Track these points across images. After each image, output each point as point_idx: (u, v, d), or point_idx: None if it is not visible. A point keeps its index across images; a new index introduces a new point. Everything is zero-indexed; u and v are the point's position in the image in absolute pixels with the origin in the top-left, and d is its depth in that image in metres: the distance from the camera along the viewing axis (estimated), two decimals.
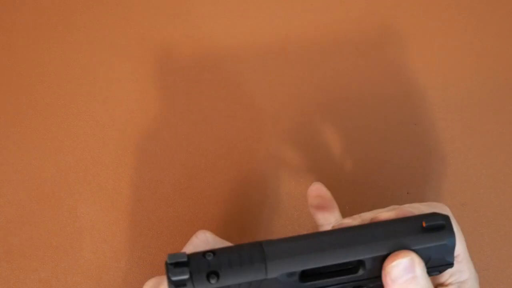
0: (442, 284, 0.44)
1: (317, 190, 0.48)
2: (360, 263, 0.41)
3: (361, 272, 0.41)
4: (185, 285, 0.39)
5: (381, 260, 0.40)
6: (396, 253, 0.40)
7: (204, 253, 0.39)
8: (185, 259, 0.39)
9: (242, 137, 0.58)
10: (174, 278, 0.39)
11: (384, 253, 0.40)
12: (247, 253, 0.40)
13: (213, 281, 0.39)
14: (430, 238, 0.40)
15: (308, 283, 0.41)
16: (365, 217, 0.44)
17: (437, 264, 0.41)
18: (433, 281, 0.44)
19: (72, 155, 0.57)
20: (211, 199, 0.56)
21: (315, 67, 0.59)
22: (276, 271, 0.40)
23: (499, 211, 0.57)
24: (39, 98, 0.58)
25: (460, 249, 0.44)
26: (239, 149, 0.57)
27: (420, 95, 0.58)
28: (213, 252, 0.40)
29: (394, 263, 0.39)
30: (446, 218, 0.41)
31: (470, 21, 0.59)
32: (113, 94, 0.58)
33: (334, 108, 0.58)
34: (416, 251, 0.40)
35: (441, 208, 0.46)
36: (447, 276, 0.44)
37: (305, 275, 0.41)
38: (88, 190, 0.57)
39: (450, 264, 0.42)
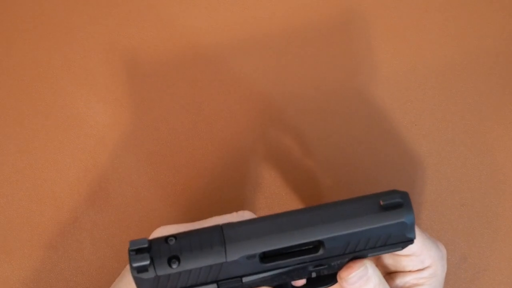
0: (403, 271, 0.47)
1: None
2: (320, 243, 0.41)
3: (321, 251, 0.42)
4: (147, 270, 0.39)
5: (341, 240, 0.41)
6: (350, 264, 0.43)
7: (166, 238, 0.40)
8: (146, 245, 0.39)
9: (242, 137, 0.58)
10: (135, 264, 0.39)
11: (343, 232, 0.41)
12: (207, 237, 0.41)
13: (174, 265, 0.40)
14: (388, 216, 0.41)
15: (269, 264, 0.41)
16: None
17: (397, 241, 0.42)
18: (397, 269, 0.47)
19: (72, 155, 0.57)
20: (211, 199, 0.56)
21: (311, 66, 0.59)
22: (235, 254, 0.40)
23: (499, 211, 0.57)
24: (39, 98, 0.58)
25: (416, 246, 0.46)
26: (239, 149, 0.57)
27: (420, 95, 0.58)
28: (175, 236, 0.40)
29: (350, 275, 0.43)
30: (404, 195, 0.42)
31: (471, 22, 0.59)
32: (113, 94, 0.58)
33: (334, 107, 0.58)
34: (375, 230, 0.41)
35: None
36: (409, 267, 0.47)
37: (266, 256, 0.41)
38: (88, 190, 0.57)
39: (411, 240, 0.42)
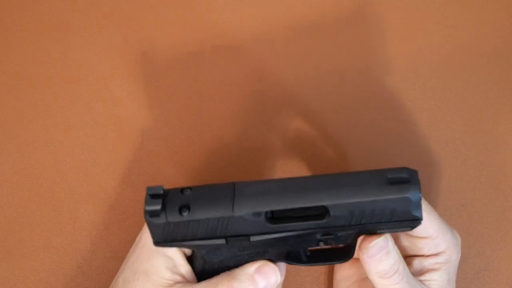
0: (422, 255, 0.48)
1: None
2: (325, 211, 0.42)
3: (326, 219, 0.43)
4: (158, 215, 0.42)
5: (344, 208, 0.42)
6: (371, 236, 0.44)
7: (182, 189, 0.43)
8: (161, 192, 0.42)
9: (241, 137, 0.58)
10: (148, 208, 0.42)
11: (347, 200, 0.42)
12: (219, 191, 0.43)
13: (184, 213, 0.42)
14: (392, 190, 0.42)
15: (276, 225, 0.43)
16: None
17: (403, 218, 0.43)
18: (413, 252, 0.48)
19: (72, 155, 0.57)
20: None
21: (313, 65, 0.59)
22: (242, 209, 0.42)
23: (499, 211, 0.57)
24: (39, 98, 0.58)
25: (432, 229, 0.47)
26: (238, 148, 0.57)
27: (420, 96, 0.58)
28: (191, 188, 0.43)
29: (371, 244, 0.44)
30: (412, 173, 0.43)
31: (471, 22, 0.59)
32: (113, 94, 0.58)
33: (334, 108, 0.58)
34: (379, 202, 0.42)
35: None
36: (424, 250, 0.48)
37: (274, 218, 0.43)
38: (88, 190, 0.57)
39: (418, 219, 0.43)
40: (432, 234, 0.47)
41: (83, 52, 0.59)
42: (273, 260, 0.46)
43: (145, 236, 0.47)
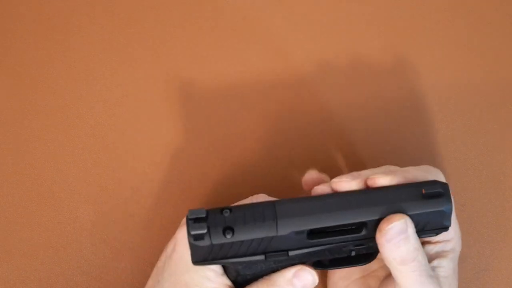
0: (429, 242, 0.48)
1: (312, 174, 0.50)
2: (363, 224, 0.44)
3: (363, 232, 0.44)
4: (203, 238, 0.43)
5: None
6: (390, 216, 0.44)
7: (221, 210, 0.43)
8: (204, 215, 0.43)
9: (242, 138, 0.58)
10: (193, 232, 0.42)
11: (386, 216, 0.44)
12: (261, 212, 0.44)
13: (228, 236, 0.43)
14: (429, 204, 0.44)
15: (315, 241, 0.44)
16: (364, 174, 0.47)
17: (434, 228, 0.45)
18: (421, 239, 0.47)
19: (72, 155, 0.57)
20: (211, 200, 0.56)
21: (325, 90, 0.59)
22: (286, 229, 0.43)
23: (499, 211, 0.57)
24: (39, 98, 0.58)
25: None
26: (239, 149, 0.57)
27: (420, 96, 0.58)
28: (230, 209, 0.43)
29: (390, 226, 0.43)
30: (444, 186, 0.45)
31: (469, 23, 0.59)
32: (113, 94, 0.58)
33: (333, 108, 0.58)
34: (415, 216, 0.43)
35: (436, 173, 0.48)
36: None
37: (312, 233, 0.44)
38: (88, 190, 0.57)
39: (446, 228, 0.45)
40: None
41: (83, 52, 0.59)
42: None
43: (181, 249, 0.47)
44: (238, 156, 0.57)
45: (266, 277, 0.46)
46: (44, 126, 0.58)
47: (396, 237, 0.44)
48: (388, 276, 0.49)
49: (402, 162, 0.57)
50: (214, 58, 0.59)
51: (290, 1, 0.61)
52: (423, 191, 0.44)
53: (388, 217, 0.44)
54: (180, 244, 0.47)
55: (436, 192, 0.44)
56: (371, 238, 0.44)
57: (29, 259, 0.56)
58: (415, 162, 0.57)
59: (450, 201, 0.45)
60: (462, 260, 0.55)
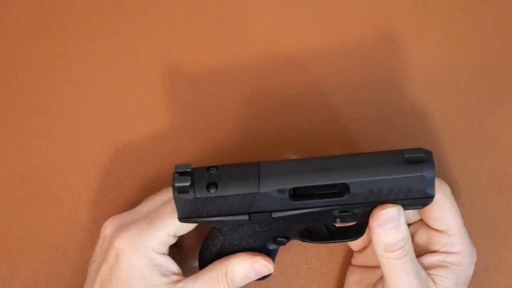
0: (434, 251, 0.49)
1: None
2: (345, 187, 0.44)
3: (346, 196, 0.45)
4: (187, 191, 0.44)
5: (365, 185, 0.45)
6: (385, 204, 0.45)
7: (208, 168, 0.46)
8: (189, 169, 0.44)
9: (242, 140, 0.58)
10: (177, 184, 0.44)
11: (368, 178, 0.45)
12: (245, 170, 0.45)
13: (212, 190, 0.45)
14: (410, 168, 0.45)
15: (298, 202, 0.45)
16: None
17: (418, 196, 0.46)
18: (428, 247, 0.49)
19: (72, 156, 0.57)
20: None
21: (316, 74, 0.59)
22: (268, 186, 0.45)
23: (499, 211, 0.57)
24: (40, 98, 0.58)
25: (453, 224, 0.48)
26: (240, 154, 0.57)
27: (419, 96, 0.58)
28: (216, 167, 0.46)
29: (383, 211, 0.45)
30: (428, 153, 0.45)
31: (469, 22, 0.59)
32: (113, 94, 0.58)
33: (333, 109, 0.58)
34: (397, 180, 0.45)
35: (440, 185, 0.49)
36: (439, 245, 0.49)
37: (296, 195, 0.45)
38: (88, 191, 0.57)
39: (431, 197, 0.46)
40: (451, 228, 0.48)
41: (83, 53, 0.59)
42: (290, 237, 0.49)
43: (127, 257, 0.47)
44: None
45: (223, 261, 0.48)
46: (44, 126, 0.58)
47: (388, 223, 0.45)
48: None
49: None
50: (213, 50, 0.59)
51: None
52: (405, 156, 0.45)
53: (382, 205, 0.45)
54: (125, 252, 0.47)
55: (419, 157, 0.45)
56: (355, 204, 0.45)
57: (29, 259, 0.56)
58: None
59: (433, 168, 0.45)
60: None
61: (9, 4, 0.59)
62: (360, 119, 0.58)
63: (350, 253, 0.57)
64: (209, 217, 0.46)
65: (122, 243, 0.47)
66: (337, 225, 0.50)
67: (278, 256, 0.56)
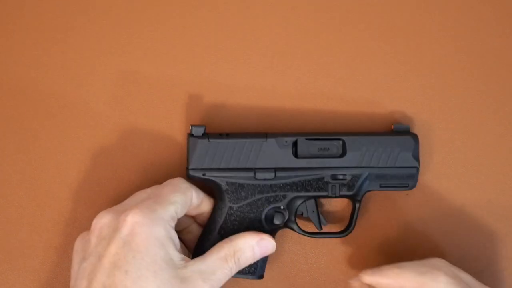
0: None
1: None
2: (342, 149, 0.53)
3: (341, 158, 0.53)
4: (201, 136, 0.53)
5: (358, 145, 0.53)
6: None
7: (220, 133, 0.53)
8: (204, 127, 0.53)
9: None
10: (194, 128, 0.53)
11: (361, 137, 0.53)
12: (253, 133, 0.54)
13: (224, 136, 0.53)
14: (397, 137, 0.54)
15: (300, 159, 0.53)
16: (385, 270, 0.51)
17: (403, 165, 0.53)
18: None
19: (72, 156, 0.57)
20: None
21: (314, 72, 0.59)
22: (273, 137, 0.53)
23: (499, 211, 0.57)
24: (39, 98, 0.58)
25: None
26: None
27: (419, 96, 0.58)
28: (227, 134, 0.53)
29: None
30: (413, 134, 0.54)
31: (468, 22, 0.59)
32: (113, 95, 0.58)
33: (332, 109, 0.58)
34: (384, 143, 0.53)
35: (434, 264, 0.51)
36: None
37: (298, 155, 0.53)
38: (88, 191, 0.57)
39: (415, 168, 0.54)
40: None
41: (83, 53, 0.59)
42: (286, 215, 0.53)
43: (144, 229, 0.47)
44: None
45: (231, 240, 0.50)
46: (44, 126, 0.58)
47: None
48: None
49: None
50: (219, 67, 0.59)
51: None
52: (392, 127, 0.55)
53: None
54: (142, 224, 0.47)
55: (404, 128, 0.55)
56: (349, 167, 0.53)
57: (29, 259, 0.56)
58: None
59: (416, 137, 0.54)
60: (463, 261, 0.56)
61: (9, 3, 0.59)
62: (359, 119, 0.58)
63: (349, 253, 0.57)
64: (218, 171, 0.52)
65: (136, 217, 0.47)
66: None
67: (278, 256, 0.56)
